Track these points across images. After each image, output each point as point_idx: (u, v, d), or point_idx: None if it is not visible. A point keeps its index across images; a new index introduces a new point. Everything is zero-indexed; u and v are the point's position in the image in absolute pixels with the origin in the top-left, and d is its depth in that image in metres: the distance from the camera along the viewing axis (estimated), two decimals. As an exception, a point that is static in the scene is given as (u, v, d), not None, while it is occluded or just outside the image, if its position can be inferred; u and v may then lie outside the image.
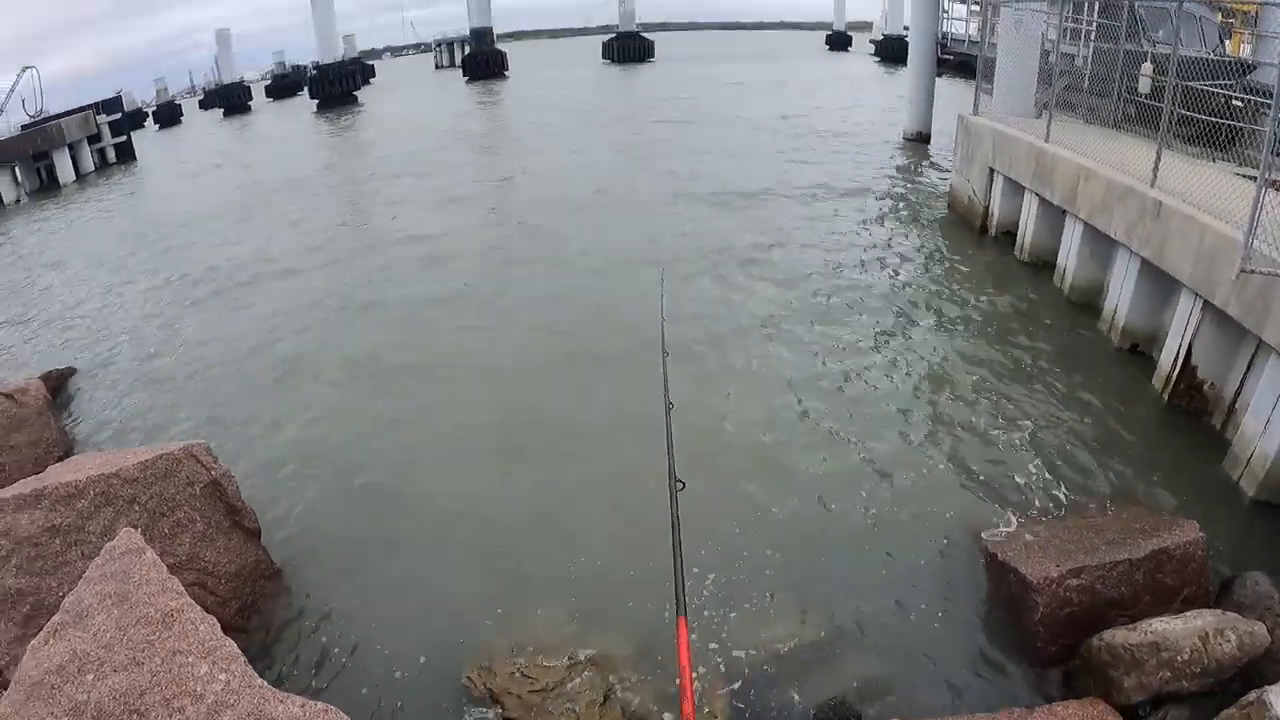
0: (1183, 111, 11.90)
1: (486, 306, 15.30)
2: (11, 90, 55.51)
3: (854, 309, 14.06)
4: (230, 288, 17.85)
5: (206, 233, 23.37)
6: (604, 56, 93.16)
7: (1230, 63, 15.25)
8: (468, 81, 77.06)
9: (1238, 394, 9.59)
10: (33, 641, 5.08)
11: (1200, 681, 5.92)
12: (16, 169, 43.18)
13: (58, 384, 13.65)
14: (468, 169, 28.99)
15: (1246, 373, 9.44)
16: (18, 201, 41.31)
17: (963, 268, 16.22)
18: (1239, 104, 12.30)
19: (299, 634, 7.37)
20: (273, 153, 40.93)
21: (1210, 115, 11.64)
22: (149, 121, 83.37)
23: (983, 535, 7.86)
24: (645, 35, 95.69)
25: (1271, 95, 8.51)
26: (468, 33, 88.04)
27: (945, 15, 30.87)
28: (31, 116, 54.45)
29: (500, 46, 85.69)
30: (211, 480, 7.42)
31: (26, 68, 56.55)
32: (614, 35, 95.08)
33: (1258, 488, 8.49)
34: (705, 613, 7.21)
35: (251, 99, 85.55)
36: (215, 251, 21.01)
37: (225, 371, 13.51)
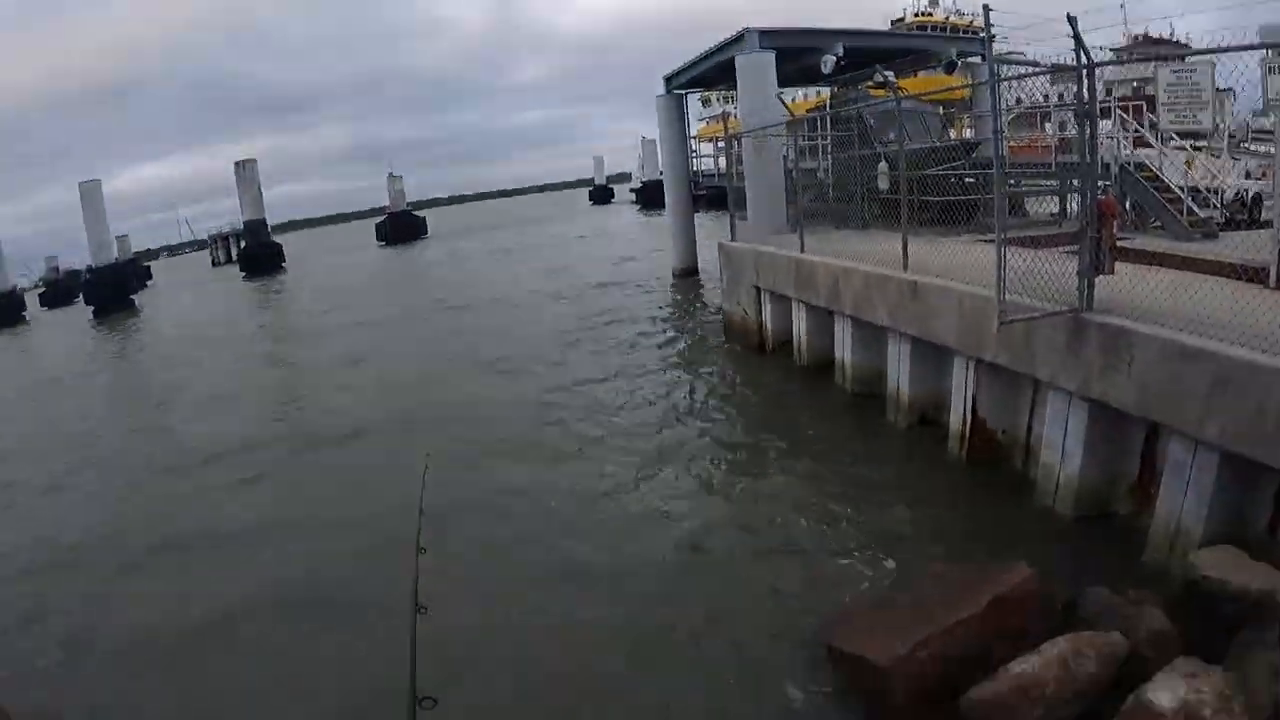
0: (921, 198, 12.53)
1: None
2: None
3: (651, 439, 13.48)
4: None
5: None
6: (378, 238, 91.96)
7: (955, 146, 16.41)
8: (245, 278, 72.77)
9: (1029, 433, 9.83)
10: None
11: (1077, 706, 5.63)
12: None
13: None
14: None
15: (1032, 412, 9.72)
16: None
17: (748, 384, 16.25)
18: (971, 180, 13.14)
19: None
20: (49, 376, 36.31)
21: (946, 196, 12.32)
22: (-87, 335, 76.55)
23: (820, 630, 7.28)
24: (416, 214, 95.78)
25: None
26: (242, 226, 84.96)
27: (694, 155, 32.26)
28: None
29: (276, 238, 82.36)
30: None
31: None
32: (385, 216, 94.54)
33: (1073, 505, 8.62)
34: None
35: (26, 309, 79.44)
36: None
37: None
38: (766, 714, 6.68)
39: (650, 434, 13.89)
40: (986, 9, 8.47)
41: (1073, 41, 7.92)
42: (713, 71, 26.37)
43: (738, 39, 22.27)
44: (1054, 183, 14.92)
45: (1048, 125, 18.74)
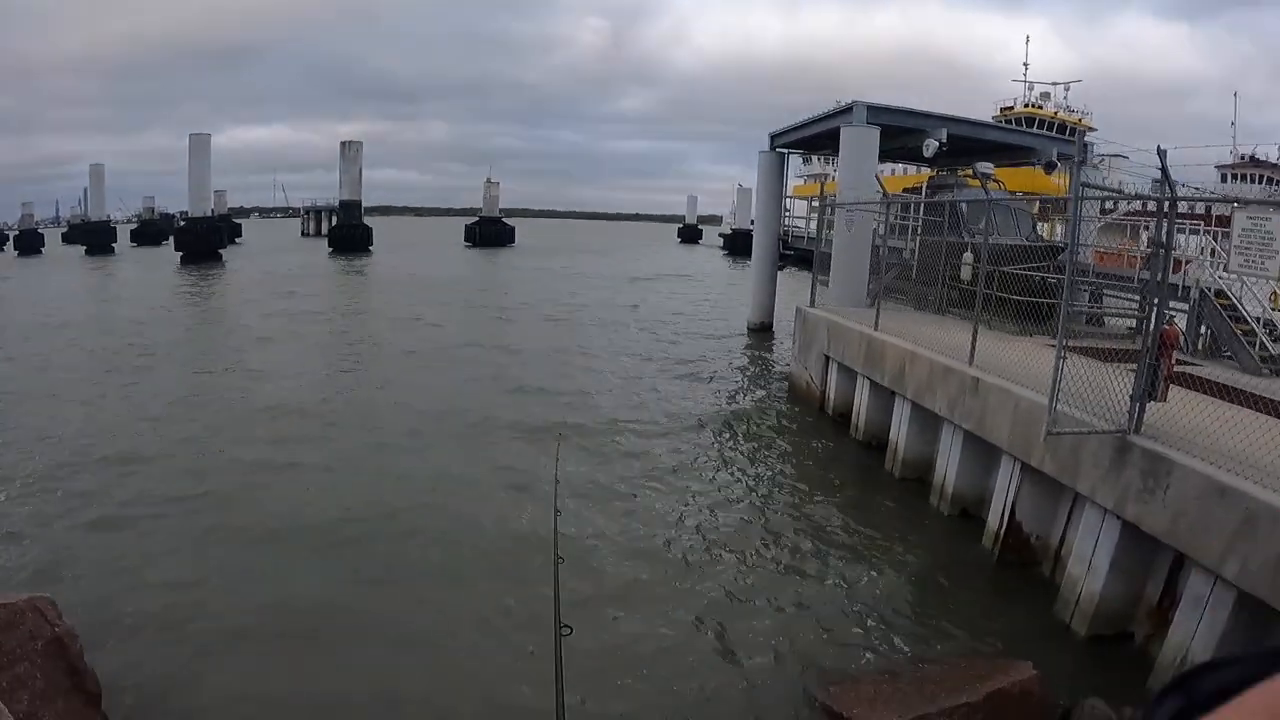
0: (999, 294, 12.86)
1: (345, 464, 14.54)
2: None
3: (693, 494, 13.74)
4: (79, 443, 15.72)
5: (57, 386, 21.07)
6: (466, 239, 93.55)
7: (1042, 247, 16.64)
8: (331, 254, 75.18)
9: (1061, 542, 10.08)
10: None
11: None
12: None
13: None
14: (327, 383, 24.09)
15: (1067, 523, 9.98)
16: None
17: (801, 449, 16.54)
18: (1054, 282, 13.45)
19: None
20: (134, 308, 37.16)
21: (1026, 295, 12.66)
22: (8, 246, 79.97)
23: (823, 690, 7.64)
24: (507, 221, 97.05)
25: (1080, 273, 9.33)
26: (337, 204, 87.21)
27: (787, 214, 32.69)
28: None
29: (366, 220, 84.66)
30: (54, 637, 6.62)
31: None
32: (477, 219, 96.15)
33: (1089, 623, 8.83)
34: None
35: (116, 240, 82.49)
36: (60, 404, 18.81)
37: (72, 519, 11.96)
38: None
39: (694, 483, 14.24)
40: (1082, 148, 8.85)
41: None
42: (817, 138, 26.94)
43: (846, 110, 22.79)
44: (1134, 297, 15.07)
45: (1144, 233, 18.72)
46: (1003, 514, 10.76)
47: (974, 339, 12.34)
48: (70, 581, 9.84)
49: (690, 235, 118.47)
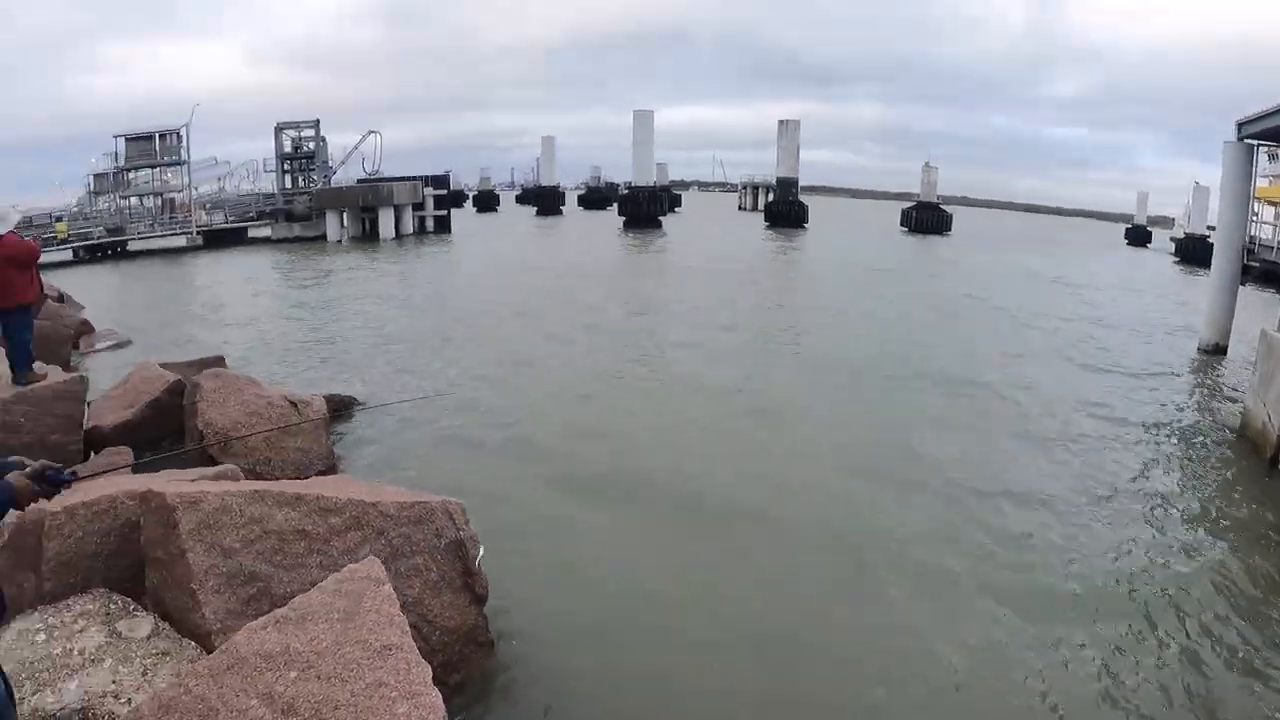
0: None
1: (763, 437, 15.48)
2: (354, 148, 64.38)
3: (1108, 535, 12.04)
4: (534, 373, 18.96)
5: (518, 323, 25.04)
6: (901, 224, 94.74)
7: None
8: (767, 227, 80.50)
9: None
10: (252, 622, 5.36)
11: None
12: (345, 215, 51.08)
13: (339, 408, 15.06)
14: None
15: None
16: (339, 242, 48.67)
17: (1242, 506, 13.83)
18: None
19: (498, 707, 7.36)
20: (587, 261, 43.77)
21: None
22: (468, 203, 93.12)
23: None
24: (944, 208, 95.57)
25: None
26: (773, 180, 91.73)
27: (1254, 218, 28.51)
28: (368, 174, 62.97)
29: (802, 198, 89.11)
30: (458, 539, 7.57)
31: (372, 131, 65.89)
32: (914, 204, 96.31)
33: None
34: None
35: (564, 204, 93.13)
36: (521, 340, 22.39)
37: (500, 441, 14.34)
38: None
39: (1091, 511, 12.84)
40: None
41: None
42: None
43: (1345, 93, 19.34)
44: None
45: None
46: None
47: None
48: (496, 500, 11.42)
49: (1139, 238, 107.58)
